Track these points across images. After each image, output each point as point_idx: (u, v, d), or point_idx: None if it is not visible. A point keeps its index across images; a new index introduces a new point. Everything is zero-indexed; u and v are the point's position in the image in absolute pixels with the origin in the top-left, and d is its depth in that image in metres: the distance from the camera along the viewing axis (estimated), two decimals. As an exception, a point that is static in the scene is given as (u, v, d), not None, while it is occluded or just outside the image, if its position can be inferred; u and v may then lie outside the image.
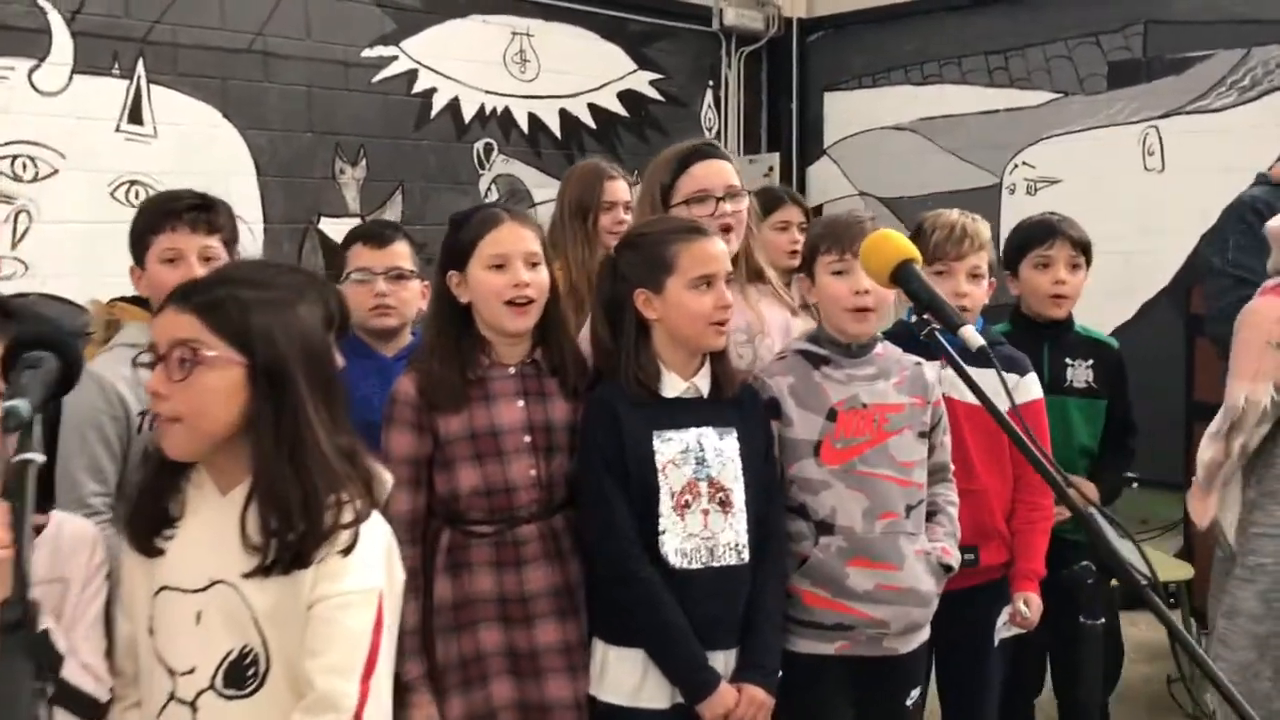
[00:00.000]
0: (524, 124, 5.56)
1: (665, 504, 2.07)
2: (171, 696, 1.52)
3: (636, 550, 2.05)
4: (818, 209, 6.41)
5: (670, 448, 2.08)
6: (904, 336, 2.46)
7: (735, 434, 2.13)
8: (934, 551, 2.25)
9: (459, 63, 5.31)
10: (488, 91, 5.43)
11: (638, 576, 2.04)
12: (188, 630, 1.52)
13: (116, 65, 4.33)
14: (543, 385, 2.14)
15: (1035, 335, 2.83)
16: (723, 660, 2.09)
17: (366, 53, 5.00)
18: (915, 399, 2.27)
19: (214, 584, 1.50)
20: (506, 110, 5.51)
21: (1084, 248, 2.81)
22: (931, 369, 2.33)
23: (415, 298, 2.55)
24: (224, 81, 4.61)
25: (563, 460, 2.12)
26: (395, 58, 5.11)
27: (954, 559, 2.27)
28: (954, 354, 1.64)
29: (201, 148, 4.55)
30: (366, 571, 1.51)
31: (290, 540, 1.46)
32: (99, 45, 4.27)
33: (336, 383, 1.56)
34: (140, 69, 4.38)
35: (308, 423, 1.49)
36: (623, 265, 2.14)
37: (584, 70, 5.78)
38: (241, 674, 1.49)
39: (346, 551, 1.49)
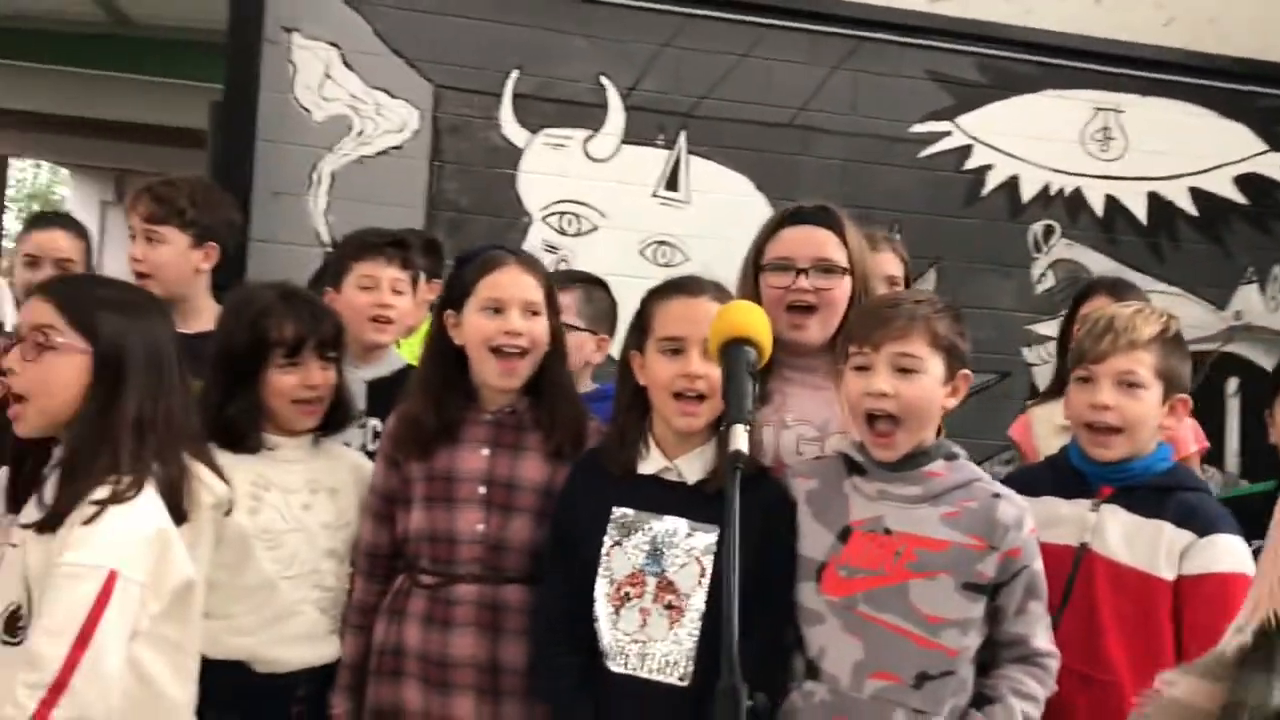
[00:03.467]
0: (1098, 207, 5.00)
1: (601, 589, 1.85)
2: None
3: (559, 637, 1.86)
4: None
5: (624, 529, 1.86)
6: (1062, 468, 1.95)
7: (718, 534, 1.83)
8: (950, 750, 1.70)
9: (1022, 139, 4.95)
10: (1055, 170, 4.98)
11: (549, 666, 1.86)
12: None
13: (661, 136, 4.80)
14: (519, 438, 2.01)
15: None
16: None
17: (916, 128, 4.90)
18: (971, 539, 1.74)
19: (14, 542, 1.73)
20: (1077, 191, 4.99)
21: None
22: (1012, 506, 1.77)
23: None
24: (760, 154, 4.84)
25: (524, 525, 1.97)
26: (948, 133, 4.93)
27: None
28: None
29: (730, 215, 4.82)
30: (101, 549, 1.60)
31: (58, 500, 1.64)
32: (647, 119, 4.77)
33: (176, 388, 1.71)
34: (682, 140, 4.79)
35: (123, 407, 1.66)
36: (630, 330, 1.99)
37: (1189, 150, 5.02)
38: (14, 625, 1.69)
39: (88, 522, 1.62)
